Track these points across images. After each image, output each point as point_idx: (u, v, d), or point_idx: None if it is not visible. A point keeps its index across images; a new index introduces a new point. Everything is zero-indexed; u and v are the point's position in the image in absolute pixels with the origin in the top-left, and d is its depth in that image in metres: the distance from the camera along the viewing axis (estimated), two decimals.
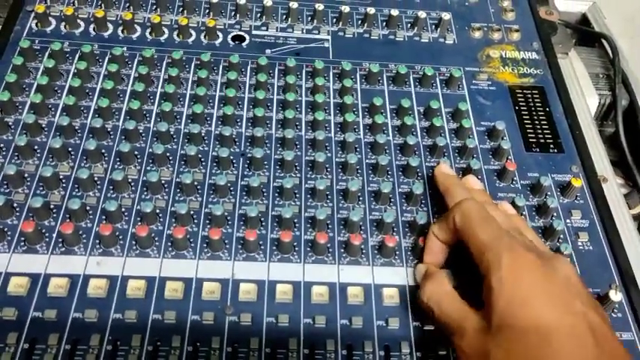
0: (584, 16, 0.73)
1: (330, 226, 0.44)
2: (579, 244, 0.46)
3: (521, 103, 0.55)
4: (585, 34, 0.71)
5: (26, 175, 0.45)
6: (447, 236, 0.41)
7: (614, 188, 0.53)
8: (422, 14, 0.60)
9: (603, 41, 0.68)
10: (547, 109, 0.55)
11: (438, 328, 0.39)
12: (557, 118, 0.54)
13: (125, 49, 0.54)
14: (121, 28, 0.56)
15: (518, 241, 0.37)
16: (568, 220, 0.47)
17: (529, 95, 0.56)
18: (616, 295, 0.41)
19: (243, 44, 0.57)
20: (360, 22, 0.60)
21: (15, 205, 0.43)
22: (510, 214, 0.44)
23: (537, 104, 0.55)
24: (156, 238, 0.42)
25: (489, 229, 0.37)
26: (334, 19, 0.60)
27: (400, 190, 0.47)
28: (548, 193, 0.48)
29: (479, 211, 0.39)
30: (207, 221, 0.44)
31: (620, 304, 0.42)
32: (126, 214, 0.43)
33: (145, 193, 0.45)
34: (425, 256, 0.42)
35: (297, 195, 0.46)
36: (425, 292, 0.39)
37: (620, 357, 0.33)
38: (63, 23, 0.56)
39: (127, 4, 0.58)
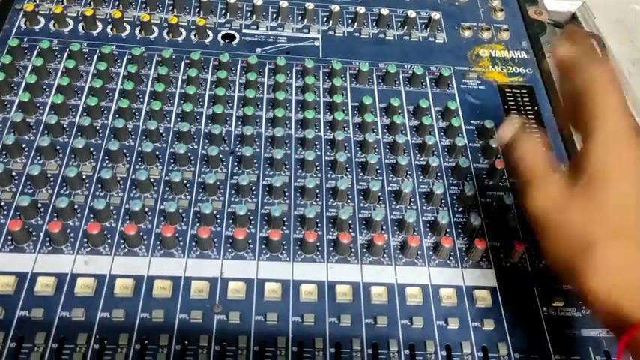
0: (574, 15, 0.73)
1: (319, 225, 0.44)
2: None
3: (510, 102, 0.55)
4: None
5: (14, 173, 0.44)
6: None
7: None
8: (412, 13, 0.60)
9: (592, 41, 0.69)
10: (536, 108, 0.55)
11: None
12: (545, 118, 0.55)
13: (114, 47, 0.53)
14: (110, 27, 0.56)
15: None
16: None
17: (518, 94, 0.56)
18: None
19: (233, 43, 0.57)
20: (350, 21, 0.61)
21: (2, 203, 0.43)
22: None
23: (526, 103, 0.56)
24: (144, 237, 0.42)
25: (612, 102, 0.35)
26: (324, 18, 0.60)
27: (389, 188, 0.47)
28: None
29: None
30: (197, 220, 0.44)
31: None
32: (114, 212, 0.43)
33: (134, 191, 0.45)
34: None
35: (287, 193, 0.46)
36: (525, 142, 0.37)
37: None
38: (52, 22, 0.55)
39: (117, 3, 0.58)
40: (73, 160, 0.46)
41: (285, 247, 0.43)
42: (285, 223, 0.44)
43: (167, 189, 0.45)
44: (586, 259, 0.32)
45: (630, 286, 0.31)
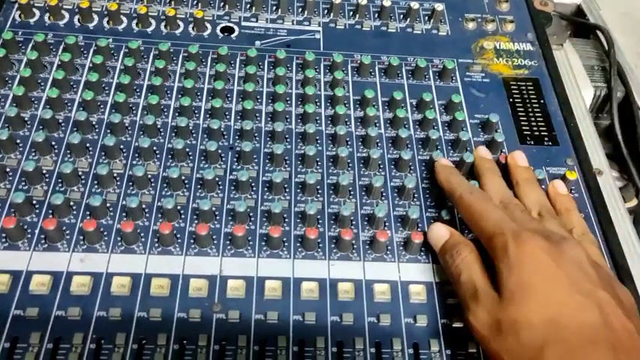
0: (579, 7, 0.72)
1: (320, 221, 0.43)
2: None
3: (515, 95, 0.54)
4: (580, 25, 0.71)
5: (8, 169, 0.43)
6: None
7: (609, 181, 0.52)
8: (414, 5, 0.59)
9: (598, 33, 0.68)
10: (542, 101, 0.54)
11: (456, 294, 0.39)
12: (551, 111, 0.53)
13: (111, 40, 0.52)
14: (106, 19, 0.55)
15: (526, 226, 0.37)
16: None
17: (523, 87, 0.55)
18: None
19: (232, 36, 0.56)
20: (351, 13, 0.59)
21: None
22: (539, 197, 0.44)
23: (532, 96, 0.54)
24: (142, 234, 0.41)
25: (492, 222, 0.38)
26: (325, 10, 0.59)
27: (392, 184, 0.46)
28: (543, 186, 0.47)
29: (485, 203, 0.40)
30: (195, 216, 0.43)
31: None
32: (111, 209, 0.42)
33: (131, 187, 0.44)
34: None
35: (287, 189, 0.45)
36: (461, 252, 0.38)
37: (633, 336, 0.32)
38: (47, 14, 0.54)
39: None
40: (69, 155, 0.45)
41: (286, 244, 0.42)
42: (286, 220, 0.43)
43: (165, 185, 0.44)
44: None
45: None
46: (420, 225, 0.44)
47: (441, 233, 0.41)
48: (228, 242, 0.42)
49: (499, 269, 0.36)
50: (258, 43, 0.55)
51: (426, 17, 0.60)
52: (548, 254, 0.35)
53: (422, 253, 0.43)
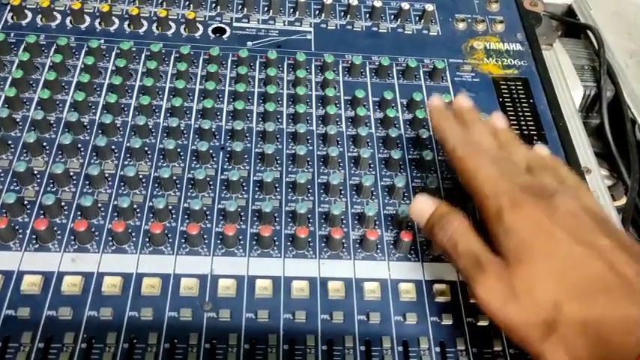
0: (570, 7, 0.72)
1: (310, 220, 0.44)
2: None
3: (505, 95, 0.55)
4: (571, 25, 0.71)
5: None
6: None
7: (597, 180, 0.53)
8: (405, 5, 0.59)
9: (589, 33, 0.68)
10: (531, 100, 0.55)
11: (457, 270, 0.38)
12: (541, 110, 0.54)
13: (102, 41, 0.53)
14: (98, 21, 0.55)
15: (517, 184, 0.36)
16: None
17: (513, 87, 0.55)
18: None
19: (224, 36, 0.56)
20: (342, 13, 0.60)
21: None
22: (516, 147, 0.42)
23: (521, 96, 0.55)
24: (133, 234, 0.42)
25: (487, 176, 0.37)
26: (316, 11, 0.59)
27: (382, 183, 0.47)
28: None
29: (479, 158, 0.38)
30: (186, 216, 0.43)
31: None
32: (102, 209, 0.43)
33: (122, 188, 0.44)
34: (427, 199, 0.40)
35: (278, 189, 0.45)
36: (449, 225, 0.37)
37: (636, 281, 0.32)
38: (39, 16, 0.54)
39: None
40: (60, 156, 0.45)
41: (277, 243, 0.42)
42: (277, 219, 0.44)
43: (156, 185, 0.44)
44: (546, 348, 0.32)
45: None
46: (409, 224, 0.44)
47: (426, 206, 0.39)
48: (219, 242, 0.42)
49: (495, 233, 0.35)
50: (249, 43, 0.56)
51: (417, 18, 0.60)
52: (542, 213, 0.34)
53: (412, 252, 0.43)
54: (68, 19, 0.55)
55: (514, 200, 0.35)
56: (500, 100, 0.54)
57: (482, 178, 0.37)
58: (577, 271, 0.32)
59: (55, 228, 0.41)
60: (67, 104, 0.48)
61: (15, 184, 0.43)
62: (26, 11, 0.55)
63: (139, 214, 0.43)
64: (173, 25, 0.56)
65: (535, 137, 0.52)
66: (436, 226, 0.37)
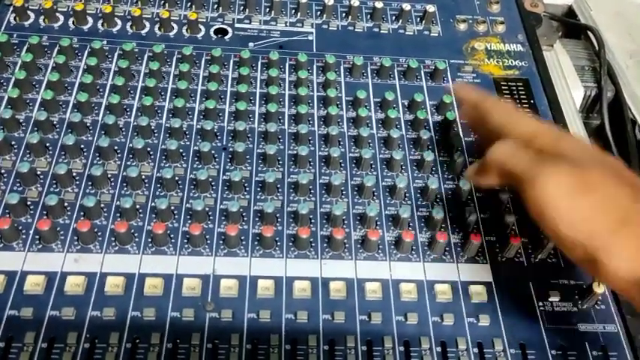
0: (570, 8, 0.73)
1: (312, 221, 0.44)
2: None
3: (506, 96, 0.55)
4: (571, 26, 0.71)
5: (3, 171, 0.44)
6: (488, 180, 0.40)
7: None
8: (406, 6, 0.59)
9: (589, 33, 0.68)
10: (532, 101, 0.55)
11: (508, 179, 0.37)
12: (542, 111, 0.54)
13: (105, 42, 0.53)
14: (100, 22, 0.55)
15: (550, 160, 0.35)
16: None
17: (514, 87, 0.56)
18: (599, 288, 0.41)
19: (226, 37, 0.56)
20: (344, 14, 0.60)
21: None
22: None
23: (522, 96, 0.55)
24: (135, 234, 0.42)
25: (519, 159, 0.36)
26: (318, 12, 0.60)
27: (384, 183, 0.47)
28: None
29: (507, 151, 0.37)
30: (188, 216, 0.43)
31: (604, 296, 0.42)
32: (105, 210, 0.43)
33: (125, 188, 0.44)
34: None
35: (280, 189, 0.45)
36: (499, 147, 0.37)
37: None
38: (42, 17, 0.55)
39: None
40: (63, 157, 0.45)
41: (279, 243, 0.43)
42: (279, 220, 0.44)
43: (159, 186, 0.44)
44: (615, 242, 0.31)
45: None
46: (410, 224, 0.45)
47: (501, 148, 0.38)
48: (221, 242, 0.42)
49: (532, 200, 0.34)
50: (251, 44, 0.56)
51: (418, 18, 0.61)
52: (578, 186, 0.33)
53: (413, 252, 0.43)
54: (71, 20, 0.55)
55: (561, 135, 0.38)
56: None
57: (524, 121, 0.39)
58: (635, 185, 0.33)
59: (58, 228, 0.41)
60: (70, 105, 0.48)
61: (18, 184, 0.43)
62: (29, 12, 0.55)
63: (141, 215, 0.43)
64: (175, 26, 0.56)
65: None
66: (490, 153, 0.38)
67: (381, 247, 0.43)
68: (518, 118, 0.40)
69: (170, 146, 0.45)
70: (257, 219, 0.44)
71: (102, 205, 0.43)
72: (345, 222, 0.44)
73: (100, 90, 0.50)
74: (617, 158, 0.38)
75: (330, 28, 0.58)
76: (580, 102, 0.63)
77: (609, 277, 0.31)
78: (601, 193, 0.32)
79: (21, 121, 0.47)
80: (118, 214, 0.43)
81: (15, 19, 0.54)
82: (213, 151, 0.46)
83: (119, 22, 0.55)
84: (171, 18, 0.56)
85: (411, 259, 0.43)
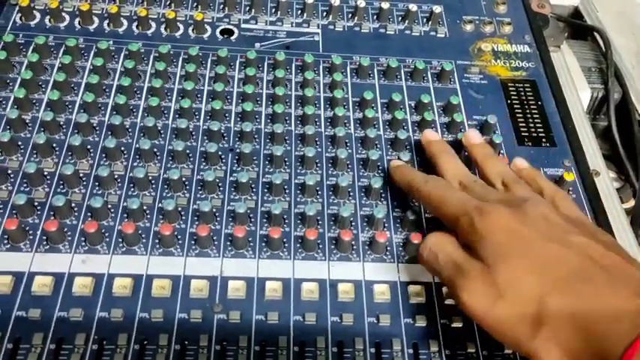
0: (577, 9, 0.72)
1: (320, 222, 0.44)
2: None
3: (513, 97, 0.55)
4: (578, 27, 0.71)
5: (10, 171, 0.44)
6: None
7: (606, 182, 0.53)
8: (413, 7, 0.59)
9: (596, 35, 0.68)
10: (539, 102, 0.55)
11: (440, 281, 0.39)
12: (549, 112, 0.54)
13: (111, 42, 0.53)
14: (107, 22, 0.55)
15: (488, 199, 0.38)
16: None
17: (521, 89, 0.55)
18: None
19: (232, 38, 0.56)
20: (350, 15, 0.60)
21: None
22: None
23: (529, 98, 0.55)
24: (143, 235, 0.42)
25: (452, 205, 0.38)
26: (324, 13, 0.59)
27: (391, 185, 0.47)
28: None
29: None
30: (196, 218, 0.43)
31: None
32: (112, 210, 0.43)
33: (132, 189, 0.44)
34: None
35: (287, 191, 0.45)
36: (428, 240, 0.38)
37: (622, 264, 0.33)
38: (48, 17, 0.54)
39: None
40: (70, 157, 0.45)
41: (286, 245, 0.42)
42: (286, 221, 0.44)
43: (165, 187, 0.44)
44: (538, 344, 0.32)
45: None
46: (418, 226, 0.44)
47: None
48: (228, 243, 0.42)
49: (473, 244, 0.35)
50: (257, 45, 0.56)
51: (425, 19, 0.60)
52: (512, 218, 0.35)
53: None
54: (77, 20, 0.55)
55: (483, 210, 0.36)
56: (509, 101, 0.54)
57: (451, 202, 0.39)
58: (556, 265, 0.33)
59: (66, 229, 0.41)
60: (77, 105, 0.48)
61: (25, 185, 0.43)
62: (35, 12, 0.55)
63: (148, 216, 0.43)
64: (181, 26, 0.56)
65: (543, 139, 0.52)
66: (421, 246, 0.39)
67: (389, 249, 0.43)
68: (440, 204, 0.39)
69: (177, 147, 0.45)
70: (264, 220, 0.43)
71: (109, 206, 0.43)
72: (353, 224, 0.44)
73: (107, 90, 0.50)
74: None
75: (337, 29, 0.58)
76: (587, 103, 0.62)
77: None
78: (511, 292, 0.33)
79: (27, 121, 0.47)
80: (125, 215, 0.42)
81: (21, 19, 0.54)
82: (220, 152, 0.46)
83: (125, 22, 0.55)
84: (178, 18, 0.56)
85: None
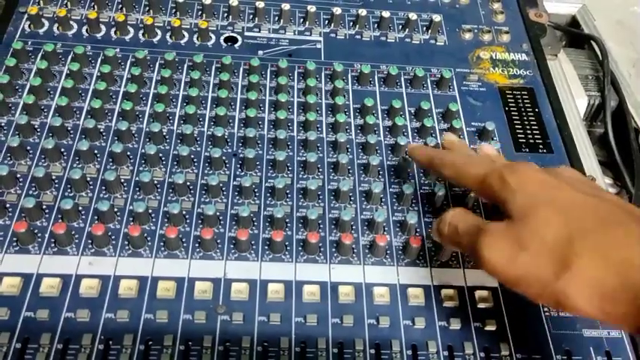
0: (574, 18, 0.74)
1: (321, 226, 0.45)
2: None
3: (510, 104, 0.56)
4: (575, 35, 0.72)
5: (19, 175, 0.45)
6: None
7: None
8: (413, 16, 0.61)
9: (593, 43, 0.69)
10: (536, 109, 0.56)
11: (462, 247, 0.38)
12: (546, 119, 0.55)
13: (118, 50, 0.54)
14: (113, 30, 0.56)
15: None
16: None
17: (519, 96, 0.56)
18: None
19: (236, 45, 0.57)
20: (351, 23, 0.61)
21: (7, 205, 0.43)
22: None
23: (527, 105, 0.56)
24: (148, 238, 0.43)
25: (479, 165, 0.38)
26: (326, 21, 0.61)
27: (391, 189, 0.48)
28: None
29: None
30: (200, 221, 0.44)
31: None
32: (118, 214, 0.44)
33: (138, 193, 0.45)
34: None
35: (289, 195, 0.46)
36: (446, 216, 0.38)
37: None
38: (56, 25, 0.56)
39: (120, 6, 0.58)
40: (78, 162, 0.46)
41: (288, 248, 0.43)
42: (288, 225, 0.45)
43: (170, 191, 0.45)
44: (566, 284, 0.31)
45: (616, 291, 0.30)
46: (417, 230, 0.45)
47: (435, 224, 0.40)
48: (232, 246, 0.43)
49: (502, 198, 0.35)
50: (260, 52, 0.57)
51: (424, 28, 0.62)
52: (544, 173, 0.35)
53: (419, 258, 0.44)
54: (84, 28, 0.56)
55: (514, 166, 0.36)
56: (506, 109, 0.55)
57: (476, 163, 0.39)
58: (587, 210, 0.32)
59: (73, 232, 0.42)
60: (84, 111, 0.49)
61: (34, 189, 0.44)
62: (43, 20, 0.56)
63: (154, 219, 0.44)
64: (186, 34, 0.57)
65: (540, 145, 0.53)
66: (440, 224, 0.39)
67: (388, 252, 0.44)
68: (465, 166, 0.39)
69: (182, 152, 0.46)
70: (267, 224, 0.44)
71: (115, 210, 0.44)
72: (354, 227, 0.45)
73: (113, 97, 0.51)
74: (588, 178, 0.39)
75: (338, 37, 0.60)
76: (584, 110, 0.63)
77: (579, 311, 0.31)
78: (537, 241, 0.32)
79: (36, 126, 0.48)
80: (131, 219, 0.43)
81: (30, 26, 0.55)
82: (223, 157, 0.47)
83: (132, 30, 0.57)
84: (183, 26, 0.57)
85: (418, 265, 0.44)
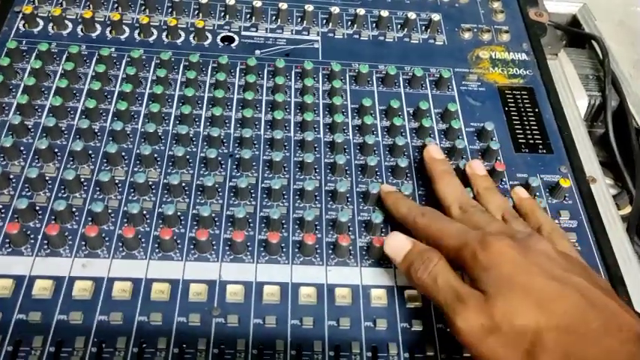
0: (575, 17, 0.73)
1: (318, 227, 0.44)
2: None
3: (510, 104, 0.55)
4: (575, 35, 0.72)
5: (12, 176, 0.44)
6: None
7: (602, 189, 0.53)
8: (412, 15, 0.60)
9: (593, 43, 0.69)
10: (536, 109, 0.55)
11: (434, 304, 0.39)
12: (546, 119, 0.54)
13: (113, 49, 0.53)
14: (109, 29, 0.56)
15: (489, 228, 0.38)
16: (556, 221, 0.47)
17: (518, 96, 0.56)
18: None
19: (233, 45, 0.57)
20: (349, 23, 0.60)
21: (0, 206, 0.42)
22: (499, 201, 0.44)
23: (527, 105, 0.55)
24: (142, 240, 0.42)
25: (454, 237, 0.38)
26: (324, 20, 0.60)
27: None
28: (537, 193, 0.48)
29: (441, 221, 0.39)
30: (195, 222, 0.43)
31: None
32: (112, 215, 0.43)
33: (132, 194, 0.44)
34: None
35: (286, 196, 0.46)
36: (430, 262, 0.37)
37: (618, 313, 0.33)
38: (50, 24, 0.55)
39: (115, 5, 0.58)
40: (71, 162, 0.46)
41: (284, 249, 0.43)
42: (284, 226, 0.44)
43: (165, 192, 0.45)
44: None
45: None
46: (383, 231, 0.45)
47: (402, 244, 0.39)
48: (227, 248, 0.42)
49: (474, 275, 0.36)
50: (257, 52, 0.56)
51: (423, 27, 0.61)
52: (515, 251, 0.35)
53: None
54: (79, 27, 0.56)
55: (487, 241, 0.36)
56: (506, 109, 0.55)
57: (451, 234, 0.38)
58: (556, 303, 0.33)
59: (66, 233, 0.42)
60: (79, 111, 0.49)
61: (27, 189, 0.44)
62: (38, 19, 0.56)
63: (148, 221, 0.43)
64: (182, 33, 0.57)
65: (540, 146, 0.52)
66: (416, 262, 0.38)
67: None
68: (439, 233, 0.39)
69: (177, 152, 0.46)
70: (263, 225, 0.44)
71: (109, 211, 0.43)
72: (351, 229, 0.44)
73: (108, 97, 0.50)
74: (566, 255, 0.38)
75: (336, 37, 0.59)
76: (585, 110, 0.63)
77: None
78: (507, 324, 0.33)
79: (30, 127, 0.47)
80: (125, 220, 0.43)
81: (24, 26, 0.55)
82: (219, 158, 0.47)
83: (127, 29, 0.56)
84: (179, 26, 0.56)
85: None
